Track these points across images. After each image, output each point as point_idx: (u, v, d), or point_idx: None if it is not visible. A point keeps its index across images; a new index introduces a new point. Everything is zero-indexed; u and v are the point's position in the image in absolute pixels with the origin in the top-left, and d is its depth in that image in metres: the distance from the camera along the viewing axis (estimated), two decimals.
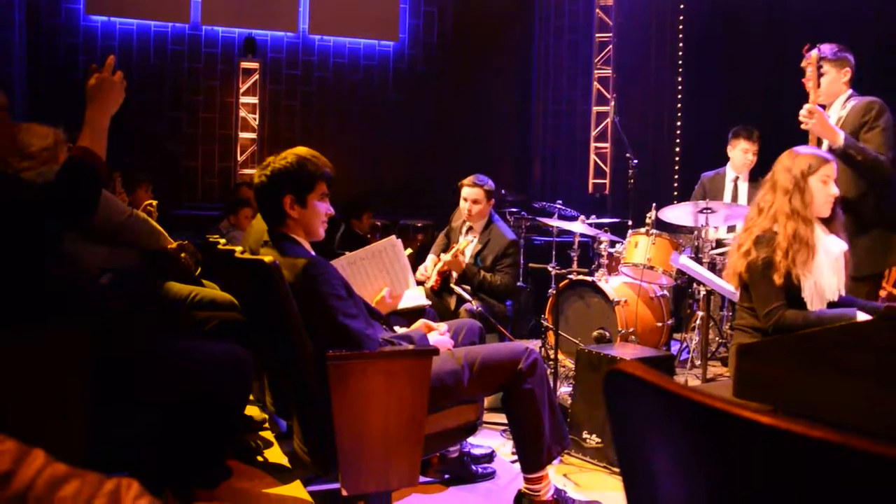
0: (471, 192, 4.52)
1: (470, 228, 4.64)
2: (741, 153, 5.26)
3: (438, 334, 2.84)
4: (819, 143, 3.64)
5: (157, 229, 3.17)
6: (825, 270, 2.80)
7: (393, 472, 2.43)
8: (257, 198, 2.65)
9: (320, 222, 2.66)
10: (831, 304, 2.84)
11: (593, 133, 8.77)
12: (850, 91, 3.72)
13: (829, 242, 2.84)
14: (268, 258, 2.35)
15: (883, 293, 3.49)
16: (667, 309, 4.90)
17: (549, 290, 4.95)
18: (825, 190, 2.86)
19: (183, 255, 3.26)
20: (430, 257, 4.73)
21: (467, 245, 4.47)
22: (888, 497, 0.56)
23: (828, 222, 2.91)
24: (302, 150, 2.62)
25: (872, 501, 0.57)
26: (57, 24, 7.98)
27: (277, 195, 2.57)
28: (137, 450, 2.38)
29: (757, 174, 5.30)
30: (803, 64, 3.64)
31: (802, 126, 3.54)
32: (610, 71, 8.68)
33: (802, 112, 3.46)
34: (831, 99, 3.76)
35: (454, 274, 4.42)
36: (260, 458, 3.27)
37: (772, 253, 2.79)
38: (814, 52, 3.56)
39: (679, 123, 8.05)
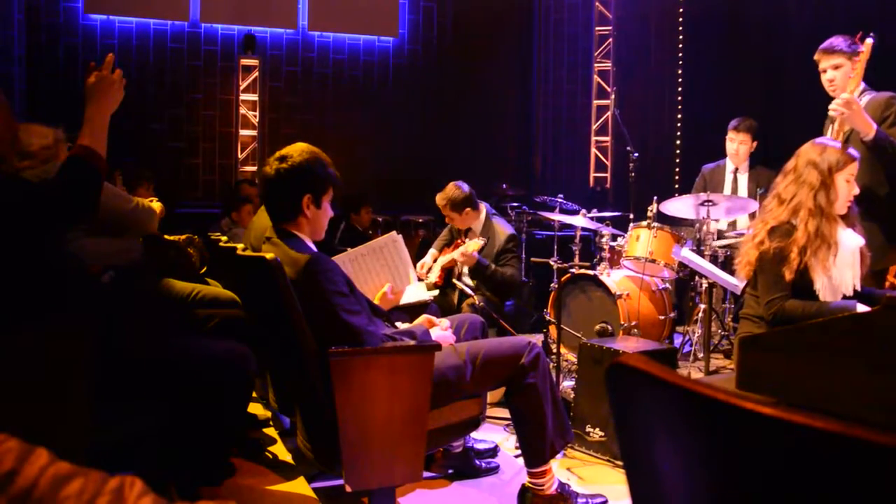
0: (445, 214, 4.57)
1: (469, 229, 4.66)
2: (728, 143, 5.28)
3: (440, 330, 2.84)
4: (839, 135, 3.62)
5: (154, 210, 3.17)
6: (842, 266, 2.77)
7: (396, 467, 2.43)
8: (269, 189, 2.58)
9: (326, 224, 2.68)
10: (847, 298, 2.80)
11: (594, 127, 8.77)
12: (863, 84, 3.68)
13: (846, 237, 2.80)
14: (269, 255, 2.35)
15: (887, 284, 3.46)
16: (669, 302, 4.89)
17: (551, 285, 4.94)
18: (848, 188, 2.81)
19: (190, 249, 3.27)
20: (431, 252, 4.73)
21: (478, 248, 4.47)
22: (891, 487, 0.56)
23: (844, 217, 2.87)
24: (313, 148, 2.61)
25: (875, 491, 0.57)
26: (56, 23, 7.97)
27: (297, 192, 2.55)
28: (141, 448, 2.38)
29: (756, 165, 5.30)
30: (863, 49, 3.52)
31: (833, 114, 3.49)
32: (610, 64, 8.67)
33: (838, 101, 3.40)
34: (844, 91, 3.72)
35: (457, 269, 4.42)
36: (269, 455, 3.28)
37: (786, 246, 2.73)
38: (869, 40, 3.45)
39: (679, 116, 8.03)
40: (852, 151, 2.89)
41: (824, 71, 3.71)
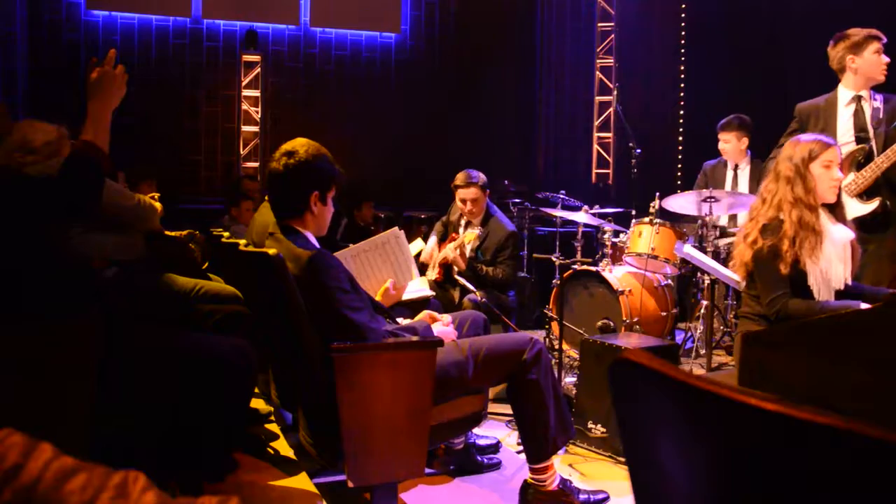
0: (468, 193, 4.48)
1: (469, 223, 4.63)
2: (718, 143, 5.31)
3: (442, 325, 2.84)
4: (859, 130, 3.63)
5: (155, 207, 3.17)
6: (832, 259, 2.79)
7: (398, 463, 2.43)
8: (277, 184, 2.56)
9: (329, 220, 2.68)
10: (838, 293, 2.82)
11: (596, 123, 8.76)
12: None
13: (835, 231, 2.82)
14: (272, 251, 2.35)
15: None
16: (671, 298, 4.89)
17: (554, 281, 4.95)
18: (828, 174, 2.83)
19: (192, 245, 3.28)
20: (432, 239, 4.71)
21: (474, 238, 4.45)
22: (894, 484, 0.56)
23: (834, 210, 2.89)
24: (318, 144, 2.60)
25: (878, 487, 0.57)
26: (58, 19, 7.98)
27: (305, 189, 2.54)
28: (143, 443, 2.39)
29: (755, 160, 5.30)
30: None
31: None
32: (612, 60, 8.65)
33: None
34: (870, 84, 3.74)
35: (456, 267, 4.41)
36: (271, 451, 3.29)
37: (778, 241, 2.77)
38: None
39: (682, 112, 8.02)
40: (827, 139, 2.93)
41: (879, 52, 3.74)
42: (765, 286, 2.82)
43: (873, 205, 3.66)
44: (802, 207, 2.78)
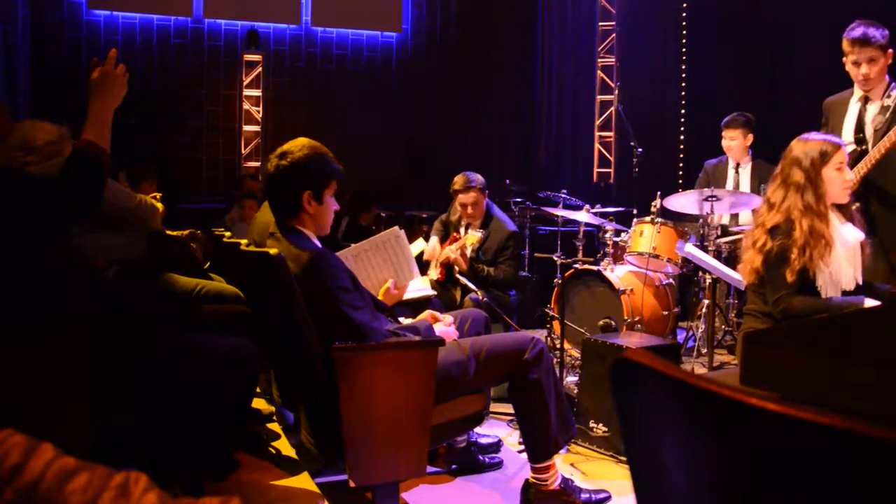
0: (467, 197, 4.47)
1: (469, 224, 4.63)
2: (722, 141, 5.29)
3: (444, 325, 2.84)
4: (858, 131, 3.57)
5: (156, 207, 3.18)
6: (842, 262, 2.74)
7: (400, 462, 2.43)
8: (270, 186, 2.60)
9: (331, 218, 2.67)
10: (846, 294, 2.78)
11: (597, 122, 8.75)
12: (887, 78, 3.57)
13: (844, 232, 2.77)
14: (273, 251, 2.35)
15: None
16: (672, 297, 4.89)
17: (555, 280, 4.94)
18: (840, 177, 2.75)
19: (193, 244, 3.28)
20: (433, 239, 4.71)
21: (477, 240, 4.45)
22: (894, 483, 0.56)
23: (843, 210, 2.84)
24: (314, 143, 2.61)
25: (880, 488, 0.57)
26: (60, 19, 7.98)
27: (296, 189, 2.54)
28: (145, 443, 2.39)
29: (757, 159, 5.29)
30: None
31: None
32: (613, 59, 8.65)
33: None
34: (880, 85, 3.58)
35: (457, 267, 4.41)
36: (272, 451, 3.29)
37: (787, 245, 2.70)
38: None
39: (683, 111, 8.02)
40: (836, 139, 2.84)
41: (857, 64, 3.50)
42: (771, 285, 2.77)
43: None
44: (812, 216, 2.69)
